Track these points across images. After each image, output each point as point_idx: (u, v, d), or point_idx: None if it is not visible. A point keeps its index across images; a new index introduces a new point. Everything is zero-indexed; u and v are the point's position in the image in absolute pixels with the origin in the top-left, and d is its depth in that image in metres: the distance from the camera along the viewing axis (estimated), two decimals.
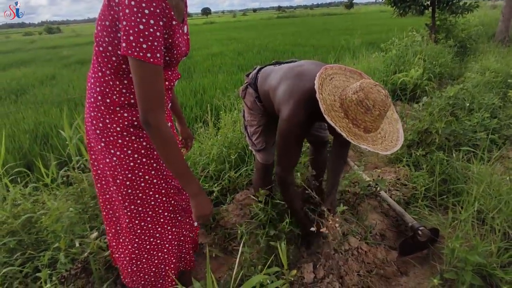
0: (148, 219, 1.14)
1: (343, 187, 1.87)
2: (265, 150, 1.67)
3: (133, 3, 0.80)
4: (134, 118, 1.03)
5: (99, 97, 1.00)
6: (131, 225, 1.13)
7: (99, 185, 1.18)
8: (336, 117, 1.11)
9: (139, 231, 1.14)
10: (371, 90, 1.08)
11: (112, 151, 1.03)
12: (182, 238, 1.27)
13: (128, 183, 1.06)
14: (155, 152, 1.08)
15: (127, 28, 0.81)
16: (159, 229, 1.17)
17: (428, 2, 6.20)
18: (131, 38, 0.81)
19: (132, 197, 1.08)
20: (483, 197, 1.70)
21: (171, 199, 1.16)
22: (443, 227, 1.63)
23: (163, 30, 0.87)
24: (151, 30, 0.82)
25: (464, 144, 2.40)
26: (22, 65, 10.33)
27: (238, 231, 1.57)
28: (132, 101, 1.01)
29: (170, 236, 1.20)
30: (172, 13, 0.90)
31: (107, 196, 1.18)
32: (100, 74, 0.99)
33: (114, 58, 0.94)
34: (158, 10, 0.83)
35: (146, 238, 1.16)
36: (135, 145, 1.04)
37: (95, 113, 1.02)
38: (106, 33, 0.91)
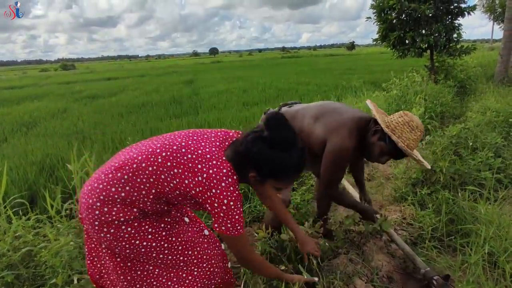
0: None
1: (347, 226, 1.84)
2: (284, 189, 1.67)
3: (225, 193, 0.97)
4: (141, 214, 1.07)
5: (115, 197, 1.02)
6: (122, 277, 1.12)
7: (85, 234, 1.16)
8: (389, 133, 1.35)
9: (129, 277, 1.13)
10: (412, 116, 1.40)
11: (105, 229, 1.02)
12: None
13: (128, 251, 1.06)
14: (147, 219, 1.08)
15: (221, 214, 0.98)
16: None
17: (426, 45, 6.47)
18: (228, 221, 0.99)
19: (135, 261, 1.11)
20: (493, 239, 1.65)
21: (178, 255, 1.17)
22: (453, 270, 1.57)
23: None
24: (238, 211, 1.01)
25: (470, 183, 2.37)
26: (36, 98, 10.72)
27: (240, 270, 1.53)
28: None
29: None
30: None
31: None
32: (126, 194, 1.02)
33: (153, 191, 1.02)
34: (238, 191, 1.01)
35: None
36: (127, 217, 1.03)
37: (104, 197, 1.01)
38: (162, 179, 1.00)
